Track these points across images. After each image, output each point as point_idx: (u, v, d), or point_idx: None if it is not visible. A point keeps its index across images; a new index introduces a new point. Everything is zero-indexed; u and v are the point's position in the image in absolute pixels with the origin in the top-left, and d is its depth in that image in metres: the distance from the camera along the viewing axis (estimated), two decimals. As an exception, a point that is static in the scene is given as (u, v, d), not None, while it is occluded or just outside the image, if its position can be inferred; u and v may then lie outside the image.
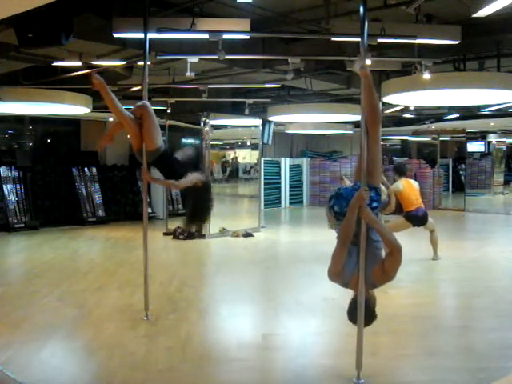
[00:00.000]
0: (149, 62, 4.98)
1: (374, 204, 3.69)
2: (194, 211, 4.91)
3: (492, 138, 19.53)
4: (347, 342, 4.06)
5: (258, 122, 11.61)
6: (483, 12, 5.17)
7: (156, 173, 4.99)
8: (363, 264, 3.59)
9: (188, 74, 6.74)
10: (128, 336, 4.60)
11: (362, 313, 3.64)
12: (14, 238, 10.50)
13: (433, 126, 16.20)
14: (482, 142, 19.95)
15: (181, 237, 10.27)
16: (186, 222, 5.09)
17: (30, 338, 4.47)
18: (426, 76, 6.72)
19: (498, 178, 19.30)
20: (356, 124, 13.56)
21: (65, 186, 12.37)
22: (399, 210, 7.63)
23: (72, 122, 13.17)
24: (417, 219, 7.64)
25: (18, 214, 11.22)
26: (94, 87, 4.56)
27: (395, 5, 5.68)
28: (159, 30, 5.31)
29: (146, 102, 4.68)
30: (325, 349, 4.42)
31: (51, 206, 12.15)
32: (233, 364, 3.97)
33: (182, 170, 4.72)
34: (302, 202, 17.25)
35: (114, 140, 4.81)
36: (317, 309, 5.47)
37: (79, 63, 7.41)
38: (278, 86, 9.98)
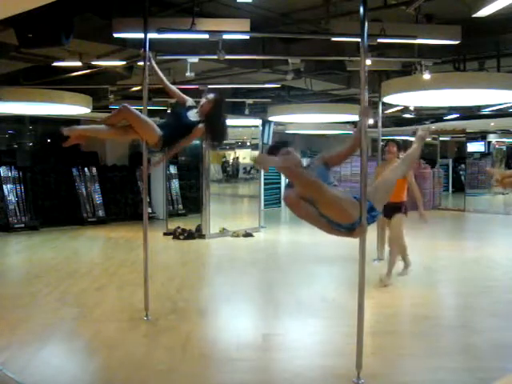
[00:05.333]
0: (149, 63, 4.97)
1: (370, 221, 3.70)
2: (215, 130, 4.86)
3: (492, 138, 19.54)
4: (347, 342, 4.06)
5: (258, 122, 11.61)
6: (483, 12, 5.17)
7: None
8: (363, 272, 3.59)
9: (188, 74, 6.74)
10: (128, 336, 4.60)
11: (362, 314, 3.63)
12: (14, 238, 10.50)
13: (433, 126, 16.20)
14: (482, 142, 19.96)
15: (181, 237, 10.27)
16: (216, 141, 4.96)
17: (30, 338, 4.47)
18: (426, 76, 6.72)
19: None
20: (356, 124, 13.55)
21: (65, 186, 12.37)
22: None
23: (72, 122, 13.15)
24: None
25: (18, 214, 11.22)
26: (72, 141, 4.56)
27: (395, 5, 5.68)
28: (159, 30, 5.30)
29: (125, 105, 4.63)
30: (325, 349, 4.42)
31: (51, 206, 12.14)
32: (233, 364, 3.97)
33: (185, 122, 4.76)
34: (302, 202, 17.20)
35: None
36: (317, 309, 5.47)
37: (79, 63, 7.41)
38: (278, 86, 9.97)
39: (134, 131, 4.65)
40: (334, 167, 3.93)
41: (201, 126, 4.76)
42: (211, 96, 4.85)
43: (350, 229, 3.63)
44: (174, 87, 5.06)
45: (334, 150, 4.09)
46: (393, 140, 6.86)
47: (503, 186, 3.33)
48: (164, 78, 5.01)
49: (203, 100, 4.83)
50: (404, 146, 6.61)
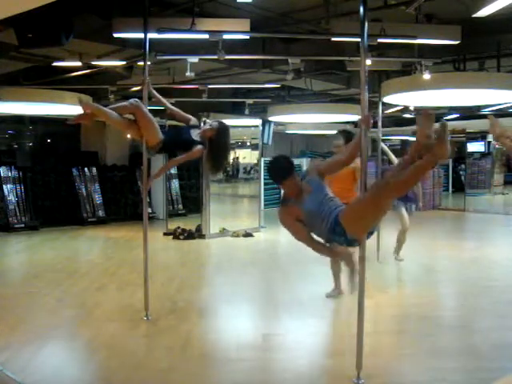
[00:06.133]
0: (149, 62, 4.99)
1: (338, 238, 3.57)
2: (216, 158, 4.98)
3: (492, 138, 19.48)
4: (347, 342, 4.06)
5: (258, 122, 11.61)
6: (483, 12, 5.18)
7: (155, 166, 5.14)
8: (363, 272, 3.59)
9: (188, 74, 6.74)
10: (128, 336, 4.60)
11: (362, 314, 3.63)
12: (14, 238, 10.50)
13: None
14: (482, 142, 19.97)
15: (181, 237, 10.27)
16: (214, 170, 5.08)
17: (30, 338, 4.47)
18: (426, 76, 6.72)
19: (498, 178, 19.32)
20: (356, 124, 13.55)
21: (65, 186, 12.36)
22: None
23: (72, 122, 13.15)
24: None
25: (17, 214, 11.22)
26: (86, 112, 4.62)
27: (395, 5, 5.69)
28: (159, 30, 5.31)
29: (138, 100, 4.70)
30: (325, 349, 4.42)
31: (51, 206, 12.13)
32: (233, 364, 3.97)
33: (186, 138, 4.86)
34: (301, 202, 17.20)
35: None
36: (317, 309, 5.46)
37: (79, 63, 7.42)
38: (278, 86, 9.98)
39: (137, 128, 4.71)
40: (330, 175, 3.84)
41: (200, 146, 4.87)
42: (215, 124, 4.95)
43: (350, 241, 3.57)
44: (176, 109, 5.16)
45: (329, 159, 4.04)
46: (341, 131, 5.77)
47: (499, 141, 3.27)
48: (166, 103, 5.15)
49: (207, 126, 4.96)
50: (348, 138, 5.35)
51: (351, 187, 5.15)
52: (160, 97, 5.09)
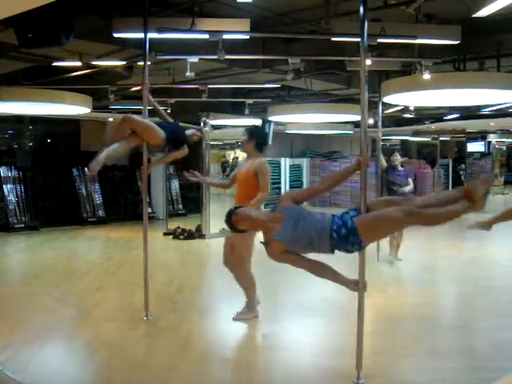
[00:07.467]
0: (149, 62, 5.01)
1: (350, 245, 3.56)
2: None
3: (492, 138, 19.55)
4: (347, 342, 4.05)
5: (258, 122, 11.60)
6: (483, 12, 5.17)
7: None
8: (363, 272, 3.58)
9: (188, 74, 6.73)
10: (128, 336, 4.61)
11: (362, 314, 3.63)
12: (14, 238, 10.50)
13: (433, 126, 16.19)
14: (482, 142, 19.98)
15: (181, 237, 10.27)
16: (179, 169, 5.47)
17: (30, 338, 4.47)
18: (426, 76, 6.72)
19: (498, 178, 19.35)
20: (356, 124, 13.55)
21: (65, 186, 12.37)
22: None
23: (72, 122, 13.17)
24: None
25: (17, 214, 11.22)
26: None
27: (395, 5, 5.68)
28: (159, 30, 5.31)
29: (126, 115, 4.94)
30: (325, 349, 4.42)
31: (51, 206, 12.14)
32: (232, 364, 3.97)
33: (184, 136, 5.20)
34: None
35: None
36: (316, 309, 5.47)
37: (79, 63, 7.41)
38: (278, 86, 9.97)
39: (138, 136, 4.82)
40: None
41: (186, 148, 5.17)
42: (200, 133, 5.40)
43: (360, 248, 3.58)
44: (163, 112, 5.45)
45: (305, 188, 4.09)
46: (247, 127, 5.30)
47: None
48: (157, 105, 5.40)
49: (197, 130, 5.38)
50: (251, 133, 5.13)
51: (253, 190, 4.99)
52: (155, 102, 5.31)
